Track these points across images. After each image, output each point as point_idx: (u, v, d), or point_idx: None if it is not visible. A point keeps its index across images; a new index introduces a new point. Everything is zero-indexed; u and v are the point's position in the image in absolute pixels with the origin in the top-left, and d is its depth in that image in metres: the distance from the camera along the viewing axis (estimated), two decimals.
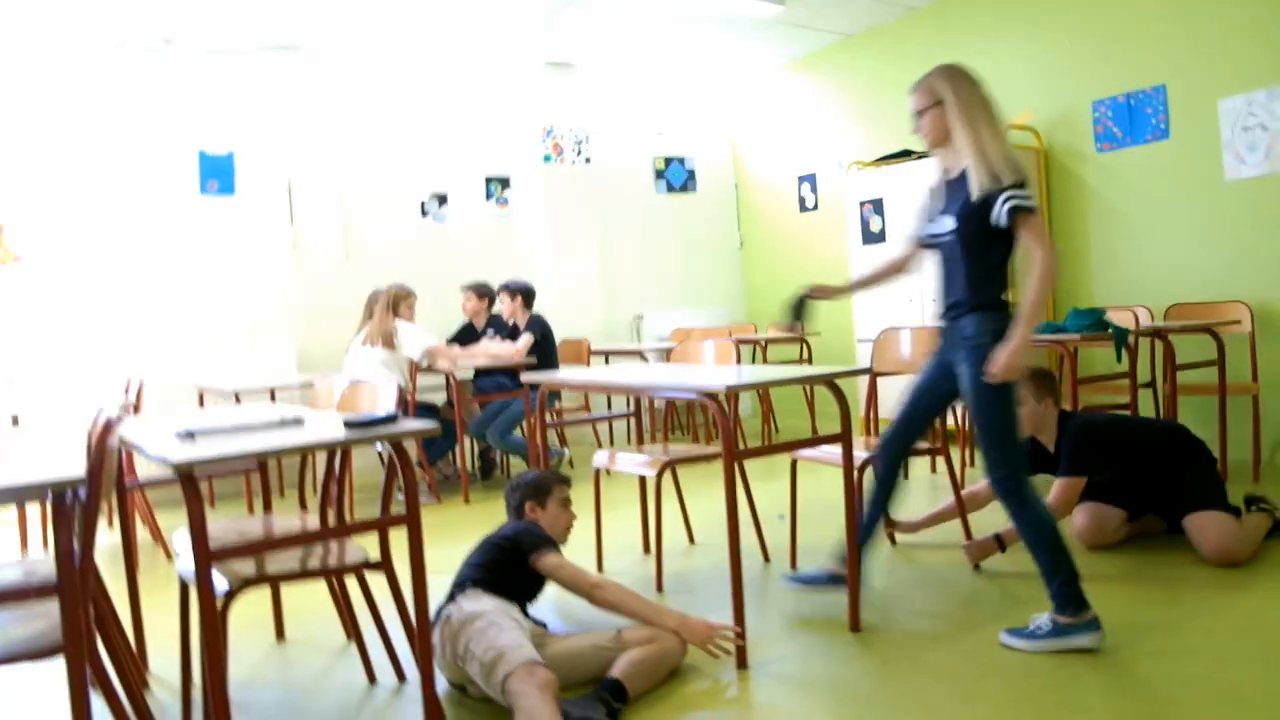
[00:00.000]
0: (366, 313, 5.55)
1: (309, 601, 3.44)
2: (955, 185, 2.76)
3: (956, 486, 3.77)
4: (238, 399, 5.16)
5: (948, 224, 2.74)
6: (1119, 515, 3.58)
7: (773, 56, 7.63)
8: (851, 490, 2.94)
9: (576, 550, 3.95)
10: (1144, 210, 5.53)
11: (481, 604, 2.52)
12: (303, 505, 3.15)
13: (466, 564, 2.75)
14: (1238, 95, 5.08)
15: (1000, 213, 2.61)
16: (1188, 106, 5.29)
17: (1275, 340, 5.01)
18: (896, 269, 3.10)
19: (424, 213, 6.92)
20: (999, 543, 3.47)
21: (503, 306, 5.97)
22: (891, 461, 3.06)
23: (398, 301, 5.50)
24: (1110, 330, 4.17)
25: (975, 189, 2.65)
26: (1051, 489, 3.49)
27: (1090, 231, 5.79)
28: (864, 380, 5.45)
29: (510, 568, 2.70)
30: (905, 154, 6.30)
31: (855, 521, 2.94)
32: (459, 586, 2.65)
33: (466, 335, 6.17)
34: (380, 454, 5.50)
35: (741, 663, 2.67)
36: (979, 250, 2.69)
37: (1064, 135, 5.88)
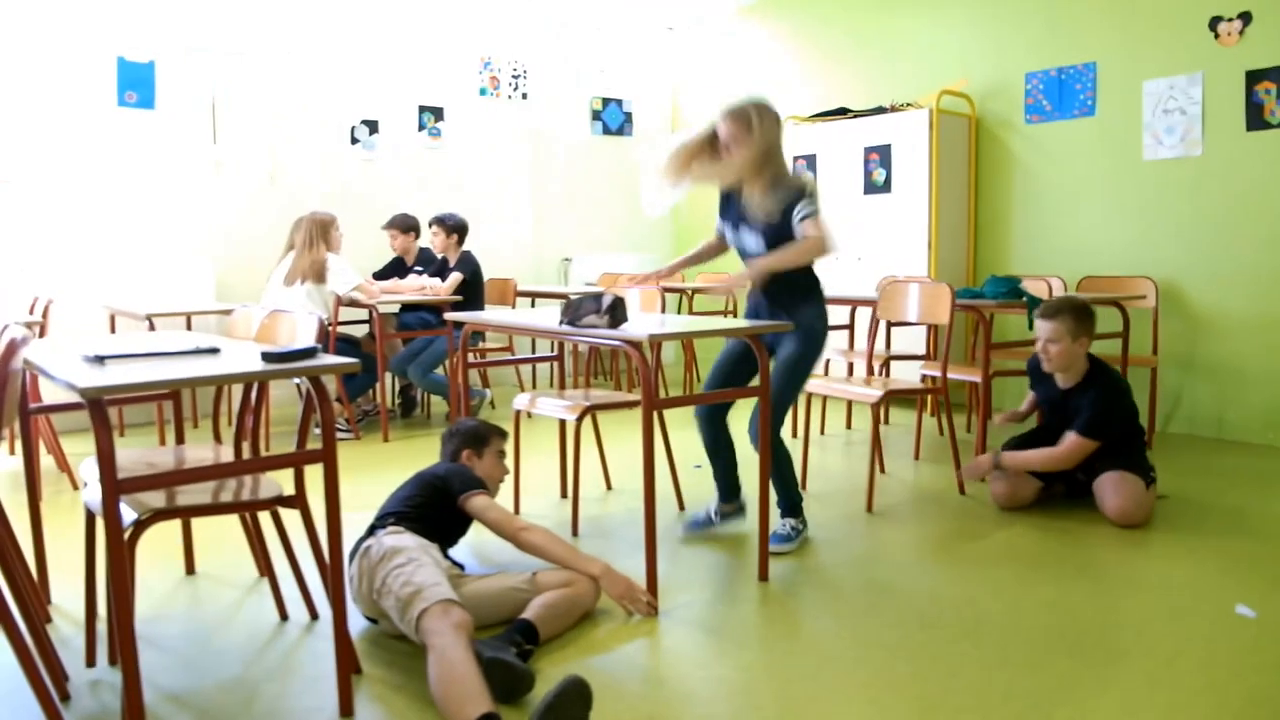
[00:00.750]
0: (289, 243, 5.40)
1: (220, 536, 3.40)
2: (753, 205, 3.17)
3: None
4: (151, 324, 5.01)
5: (754, 243, 3.20)
6: (1035, 485, 3.72)
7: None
8: (766, 442, 3.01)
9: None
10: (1066, 183, 5.67)
11: (402, 540, 2.51)
12: (217, 437, 3.09)
13: (394, 498, 2.74)
14: (1161, 78, 5.22)
15: (797, 227, 3.09)
16: (1114, 85, 5.42)
17: (1177, 316, 5.21)
18: (715, 251, 3.52)
19: (354, 139, 6.74)
20: (997, 463, 3.69)
21: (433, 240, 5.87)
22: (718, 427, 3.43)
23: (325, 230, 5.34)
24: (1024, 299, 4.28)
25: (770, 212, 3.11)
26: (1065, 440, 3.57)
27: (1013, 201, 5.92)
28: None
29: (438, 507, 2.71)
30: (842, 111, 6.34)
31: (766, 470, 3.03)
32: (381, 520, 2.64)
33: (395, 270, 6.07)
34: (298, 387, 5.43)
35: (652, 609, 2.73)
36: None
37: (996, 105, 5.97)
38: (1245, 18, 4.91)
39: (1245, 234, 4.97)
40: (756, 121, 3.12)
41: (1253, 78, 4.89)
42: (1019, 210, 5.90)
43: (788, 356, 3.22)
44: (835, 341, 5.47)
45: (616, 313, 2.91)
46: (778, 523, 3.35)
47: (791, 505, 3.38)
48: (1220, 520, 3.57)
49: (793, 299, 3.22)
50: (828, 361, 5.41)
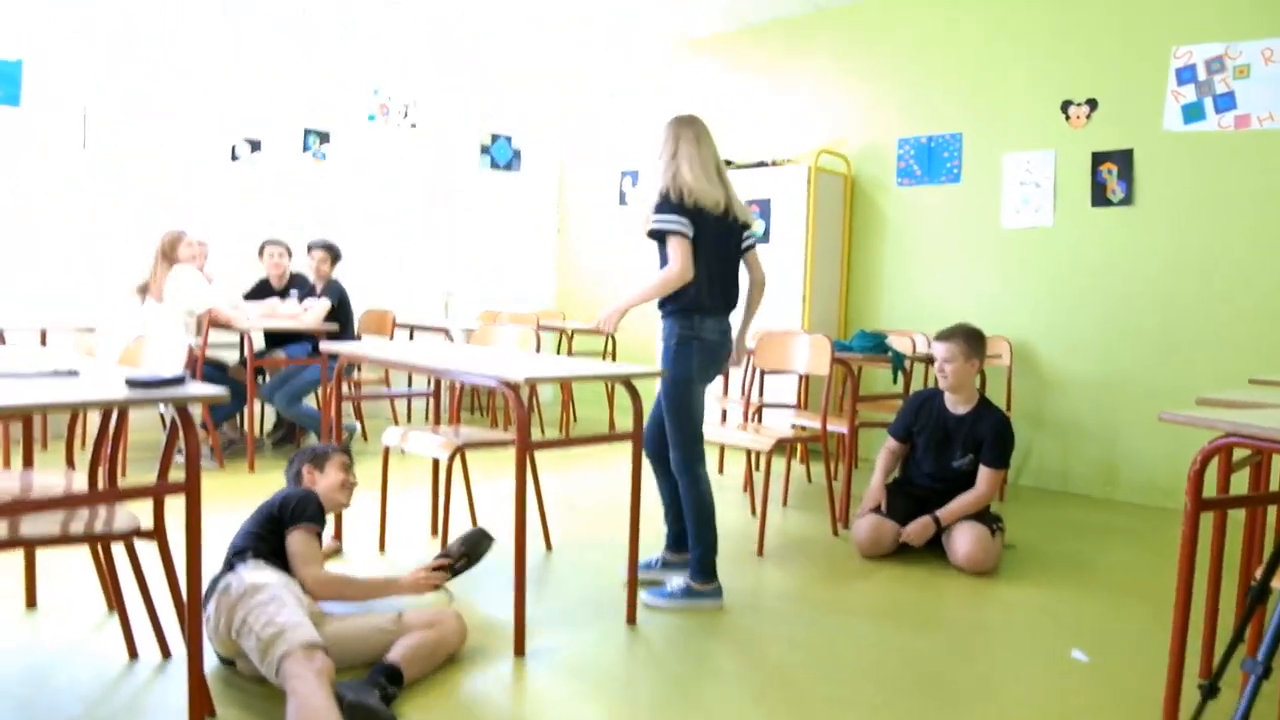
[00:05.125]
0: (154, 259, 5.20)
1: (67, 567, 3.23)
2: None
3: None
4: (2, 338, 4.75)
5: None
6: (895, 529, 3.86)
7: (621, 36, 7.70)
8: (638, 485, 3.03)
9: (362, 530, 3.89)
10: (932, 244, 5.97)
11: (264, 575, 2.44)
12: (70, 463, 2.95)
13: (243, 531, 2.67)
14: (1019, 152, 5.57)
15: (649, 225, 3.10)
16: (978, 155, 5.75)
17: (1028, 375, 5.53)
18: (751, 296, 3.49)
19: (234, 157, 6.57)
20: (936, 522, 3.75)
21: (317, 266, 5.74)
22: (666, 468, 3.38)
23: (172, 246, 5.11)
24: (889, 354, 4.48)
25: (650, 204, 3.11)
26: (981, 478, 3.74)
27: (884, 258, 6.19)
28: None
29: (277, 538, 2.64)
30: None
31: (636, 512, 3.03)
32: (238, 554, 2.57)
33: (261, 292, 5.91)
34: (161, 413, 5.21)
35: (519, 649, 2.73)
36: (660, 259, 3.15)
37: (870, 167, 6.25)
38: (1092, 104, 5.30)
39: (1089, 300, 5.33)
40: (665, 134, 3.19)
41: (1097, 158, 5.28)
42: (889, 267, 6.17)
43: (661, 384, 3.23)
44: (713, 388, 5.59)
45: (477, 549, 2.93)
46: (671, 577, 3.28)
47: (700, 564, 3.15)
48: (1061, 569, 3.79)
49: (664, 322, 3.22)
50: None
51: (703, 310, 3.16)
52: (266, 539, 2.62)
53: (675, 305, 3.16)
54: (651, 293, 3.09)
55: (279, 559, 2.58)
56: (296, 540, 2.61)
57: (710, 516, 3.18)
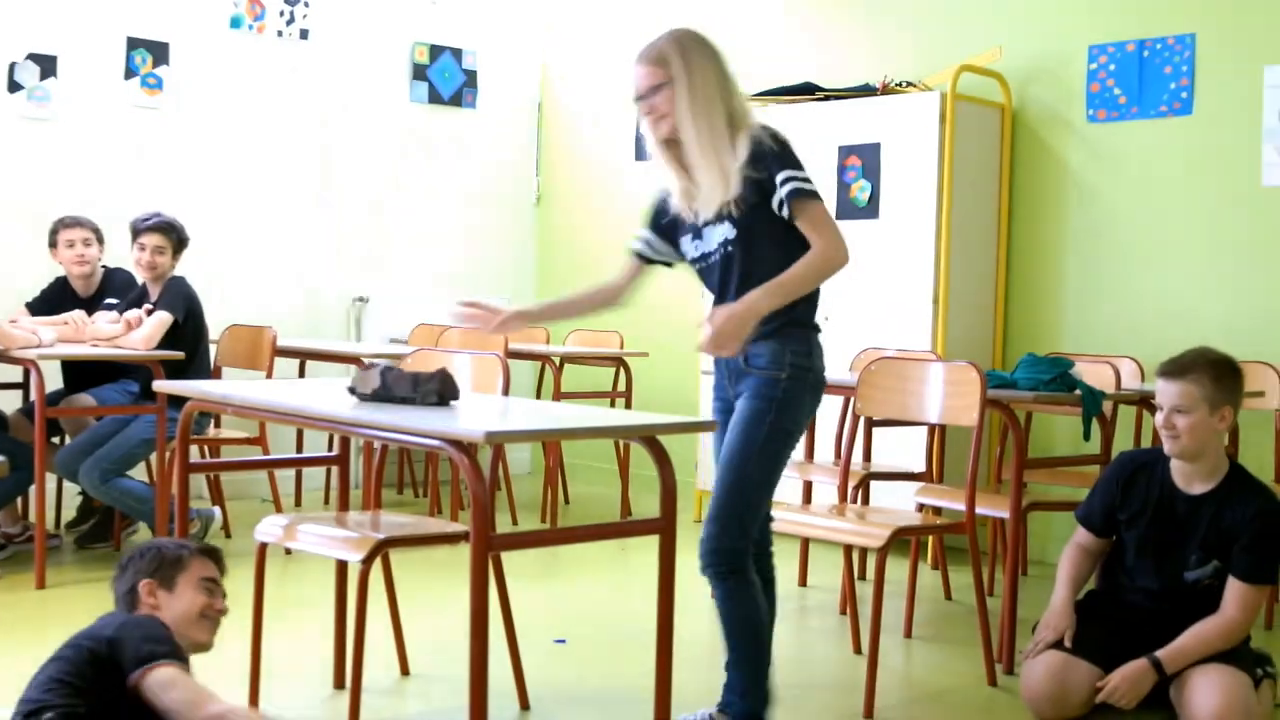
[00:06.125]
0: None
1: None
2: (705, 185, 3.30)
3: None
4: None
5: (721, 233, 3.31)
6: (1091, 676, 3.77)
7: None
8: (668, 604, 3.01)
9: (222, 676, 3.86)
10: (1146, 215, 5.92)
11: None
12: None
13: (41, 683, 2.66)
14: None
15: (788, 205, 3.20)
16: (1221, 70, 5.71)
17: None
18: (613, 295, 3.68)
19: (13, 86, 6.61)
20: (1157, 668, 3.65)
21: (149, 256, 5.73)
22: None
23: None
24: (1077, 391, 4.43)
25: (722, 191, 3.23)
26: (1231, 597, 3.67)
27: (1066, 240, 6.15)
28: (708, 437, 5.58)
29: (105, 693, 2.64)
30: (807, 90, 6.50)
31: (667, 649, 3.03)
32: (32, 718, 2.56)
33: (57, 300, 5.92)
34: None
35: None
36: (768, 255, 3.25)
37: (1043, 92, 6.23)
38: None
39: None
40: (675, 56, 3.26)
41: None
42: (1073, 255, 6.13)
43: (741, 420, 3.30)
44: None
45: (446, 392, 2.94)
46: None
47: (746, 711, 3.31)
48: None
49: (766, 345, 3.30)
50: None
51: (816, 329, 3.37)
52: (86, 697, 2.62)
53: (788, 317, 3.28)
54: (807, 284, 3.22)
55: None
56: (161, 680, 2.63)
57: (765, 646, 3.35)
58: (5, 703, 2.72)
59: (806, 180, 3.22)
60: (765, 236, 3.26)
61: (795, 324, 3.31)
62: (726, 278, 3.33)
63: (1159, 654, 3.69)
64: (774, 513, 3.82)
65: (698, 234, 3.38)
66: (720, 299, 3.35)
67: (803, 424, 3.38)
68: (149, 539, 3.18)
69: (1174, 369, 3.79)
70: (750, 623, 3.28)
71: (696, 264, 3.45)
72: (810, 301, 3.35)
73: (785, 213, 3.21)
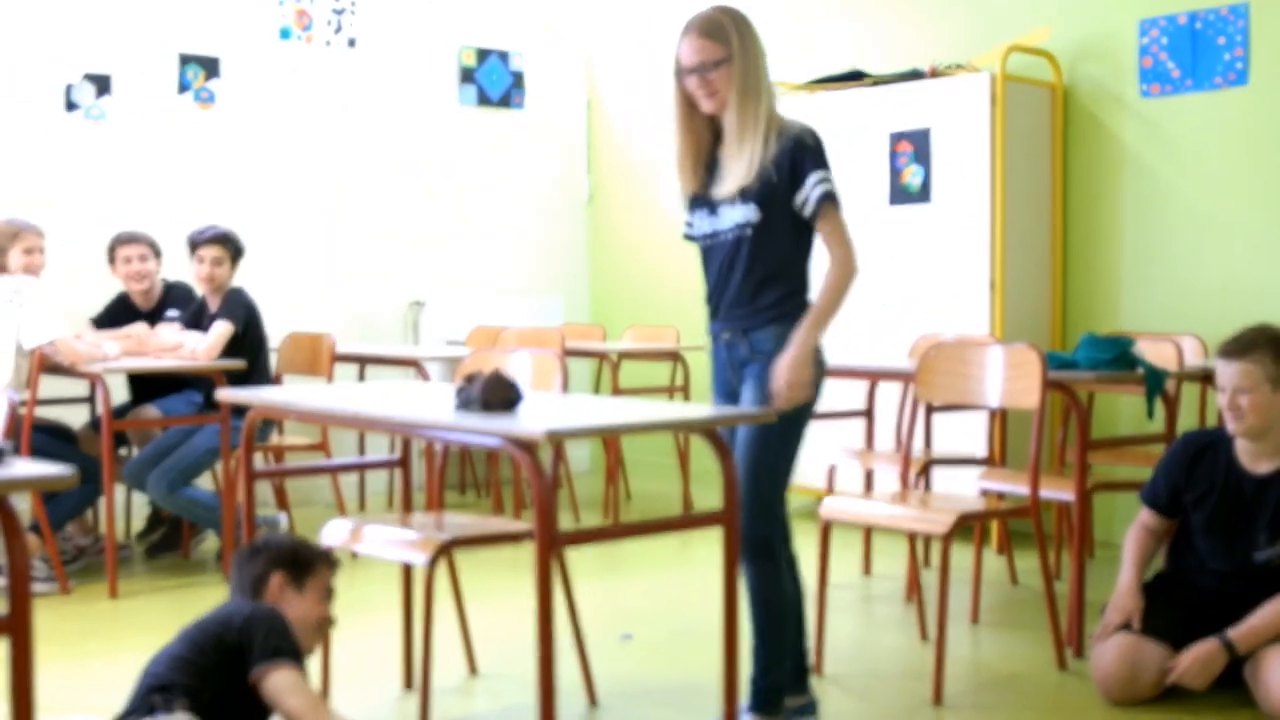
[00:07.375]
0: None
1: None
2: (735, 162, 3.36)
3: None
4: None
5: (742, 214, 3.35)
6: (1160, 657, 3.75)
7: None
8: (733, 595, 3.02)
9: None
10: (1204, 191, 5.86)
11: None
12: None
13: (170, 657, 2.72)
14: None
15: (811, 205, 3.30)
16: (1278, 38, 5.64)
17: None
18: None
19: (70, 105, 6.69)
20: (1228, 648, 3.63)
21: (209, 269, 5.78)
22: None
23: (2, 248, 5.24)
24: (1141, 370, 4.39)
25: (746, 173, 3.30)
26: None
27: (1122, 218, 6.10)
28: None
29: (227, 678, 2.69)
30: (855, 77, 6.48)
31: (733, 640, 3.04)
32: (161, 692, 2.62)
33: (119, 315, 5.97)
34: None
35: None
36: (781, 244, 3.38)
37: (1094, 69, 6.18)
38: None
39: None
40: (734, 33, 3.32)
41: None
42: (1131, 232, 6.08)
43: (756, 403, 3.35)
44: (846, 436, 5.53)
45: (492, 397, 2.95)
46: None
47: (768, 690, 3.40)
48: None
49: (771, 330, 3.40)
50: (831, 468, 5.46)
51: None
52: (209, 679, 2.67)
53: (788, 299, 3.42)
54: (839, 305, 3.36)
55: (216, 713, 2.61)
56: (285, 683, 2.66)
57: (791, 634, 3.48)
58: (88, 709, 2.76)
59: (835, 186, 3.32)
60: (780, 228, 3.34)
61: (796, 305, 3.39)
62: (733, 260, 3.39)
63: (1230, 633, 3.66)
64: (835, 502, 4.02)
65: (713, 210, 3.42)
66: (720, 284, 3.44)
67: (815, 401, 3.42)
68: (267, 535, 3.21)
69: (1234, 349, 3.76)
70: (771, 604, 3.36)
71: (704, 240, 3.51)
72: (805, 279, 3.44)
73: (809, 211, 3.30)
